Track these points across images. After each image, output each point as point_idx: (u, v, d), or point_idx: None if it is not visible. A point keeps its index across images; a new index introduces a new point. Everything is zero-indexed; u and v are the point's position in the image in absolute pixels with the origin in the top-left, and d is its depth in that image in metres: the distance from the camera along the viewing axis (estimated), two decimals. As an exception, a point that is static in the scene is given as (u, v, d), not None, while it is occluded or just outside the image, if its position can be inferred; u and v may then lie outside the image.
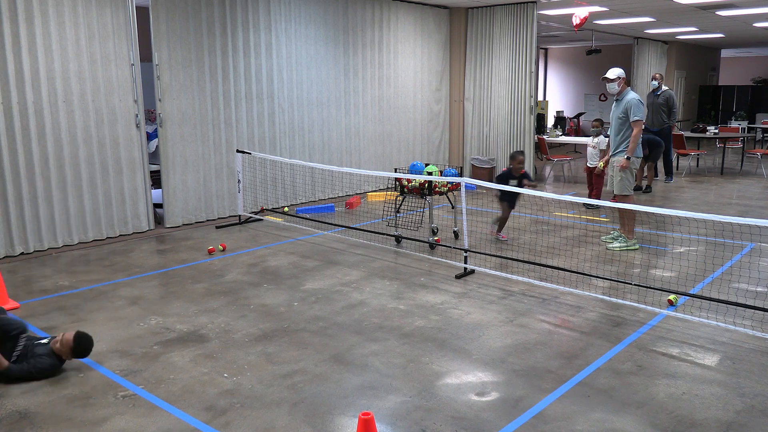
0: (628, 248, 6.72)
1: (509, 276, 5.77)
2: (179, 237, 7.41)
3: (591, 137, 9.18)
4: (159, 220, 7.98)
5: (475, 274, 5.93)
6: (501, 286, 5.57)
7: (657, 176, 11.45)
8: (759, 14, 12.36)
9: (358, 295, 5.36)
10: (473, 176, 10.96)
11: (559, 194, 5.53)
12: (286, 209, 8.98)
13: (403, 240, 7.03)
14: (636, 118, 6.44)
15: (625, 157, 6.47)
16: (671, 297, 5.11)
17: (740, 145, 14.01)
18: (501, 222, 7.24)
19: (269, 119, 8.79)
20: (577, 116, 19.70)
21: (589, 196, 8.84)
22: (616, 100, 6.69)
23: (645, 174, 10.58)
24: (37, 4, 6.39)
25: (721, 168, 13.01)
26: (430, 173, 6.69)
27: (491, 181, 9.50)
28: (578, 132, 18.98)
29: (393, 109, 10.81)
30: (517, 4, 10.85)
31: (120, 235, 7.37)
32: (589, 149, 9.18)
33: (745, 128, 13.29)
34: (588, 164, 9.18)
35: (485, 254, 6.31)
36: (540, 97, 21.92)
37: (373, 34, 10.23)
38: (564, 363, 4.02)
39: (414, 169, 6.89)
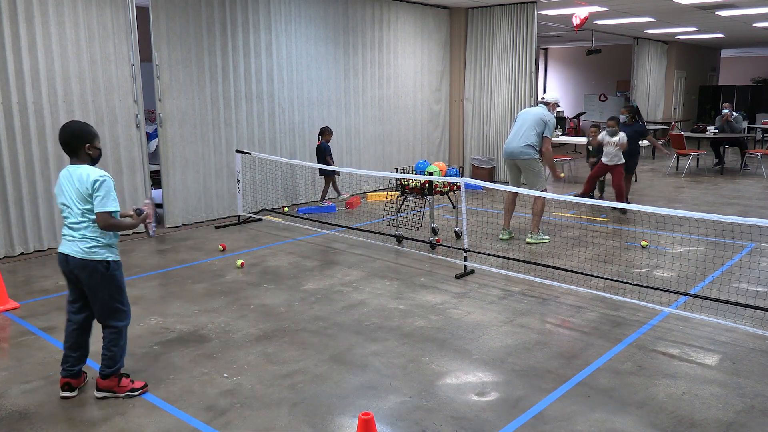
0: (540, 241, 7.06)
1: (509, 273, 5.77)
2: (179, 237, 7.41)
3: (608, 135, 8.62)
4: (159, 221, 7.98)
5: (476, 273, 5.93)
6: (501, 286, 5.57)
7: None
8: (759, 14, 12.36)
9: (358, 295, 5.35)
10: (473, 176, 10.96)
11: (559, 194, 5.53)
12: (286, 209, 8.98)
13: (404, 240, 7.03)
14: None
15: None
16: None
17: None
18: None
19: (269, 119, 8.79)
20: (577, 116, 19.71)
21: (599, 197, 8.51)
22: None
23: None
24: (37, 4, 6.39)
25: (721, 168, 13.01)
26: (430, 173, 6.69)
27: (491, 181, 9.49)
28: (578, 132, 19.00)
29: (393, 109, 10.81)
30: (517, 4, 10.84)
31: (120, 235, 7.35)
32: (610, 148, 8.57)
33: (745, 128, 13.26)
34: (605, 161, 8.67)
35: (485, 254, 6.31)
36: (540, 98, 21.90)
37: (373, 34, 10.23)
38: (564, 363, 4.02)
39: (419, 168, 6.89)
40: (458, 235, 7.29)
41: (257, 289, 5.52)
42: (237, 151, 8.05)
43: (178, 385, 3.76)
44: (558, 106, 7.34)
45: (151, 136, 8.32)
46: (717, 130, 13.05)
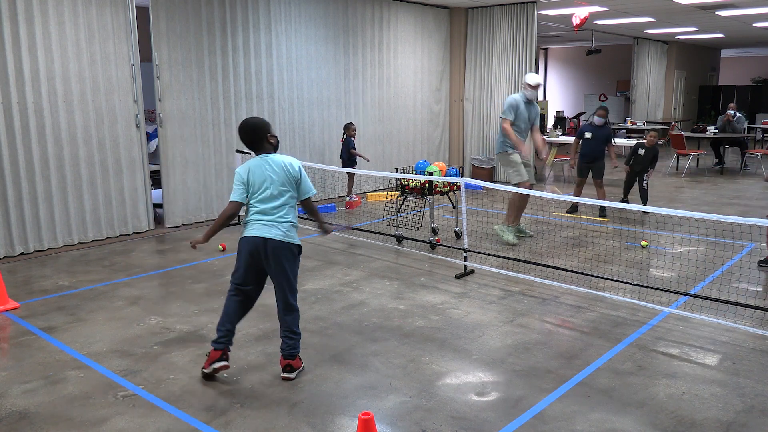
0: (501, 234, 7.01)
1: (509, 273, 5.77)
2: (179, 237, 7.41)
3: None
4: (159, 220, 7.98)
5: (475, 273, 5.93)
6: (501, 286, 5.57)
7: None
8: (759, 14, 12.37)
9: (358, 295, 5.35)
10: (473, 176, 10.95)
11: (558, 194, 5.53)
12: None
13: (404, 240, 7.03)
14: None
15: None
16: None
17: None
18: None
19: (269, 119, 8.78)
20: (577, 116, 19.69)
21: None
22: (530, 103, 6.98)
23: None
24: (37, 4, 6.39)
25: (721, 168, 13.01)
26: (430, 173, 6.68)
27: (491, 181, 9.47)
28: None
29: (393, 109, 10.80)
30: (517, 4, 10.85)
31: (120, 235, 7.37)
32: None
33: (745, 129, 13.26)
34: None
35: (485, 254, 6.31)
36: (540, 97, 21.94)
37: (373, 34, 10.23)
38: (564, 363, 4.02)
39: (419, 168, 6.88)
40: (458, 235, 7.29)
41: (257, 289, 5.51)
42: (237, 151, 8.04)
43: (178, 385, 3.76)
44: (532, 87, 6.87)
45: (151, 136, 8.32)
46: (717, 130, 13.05)
